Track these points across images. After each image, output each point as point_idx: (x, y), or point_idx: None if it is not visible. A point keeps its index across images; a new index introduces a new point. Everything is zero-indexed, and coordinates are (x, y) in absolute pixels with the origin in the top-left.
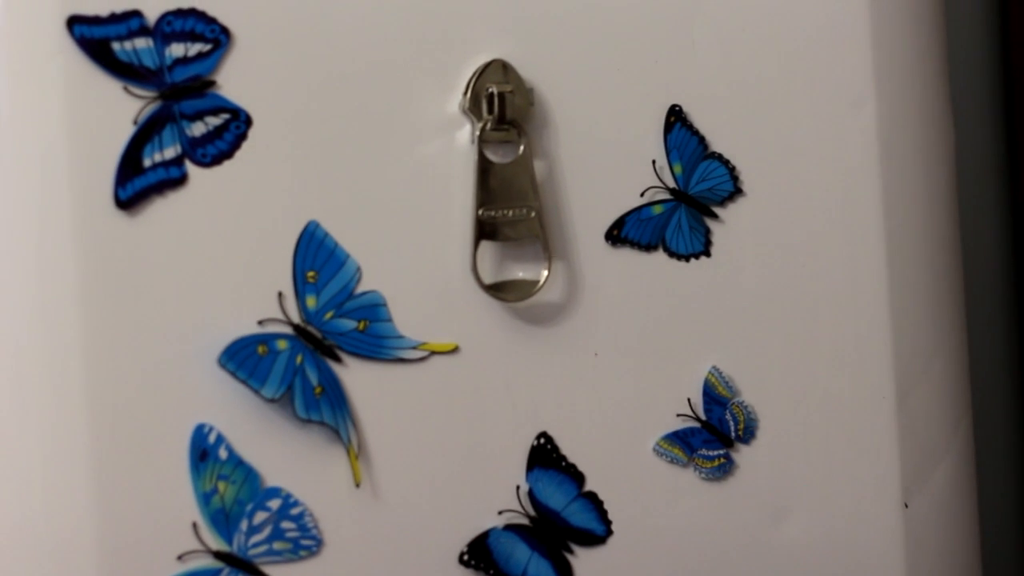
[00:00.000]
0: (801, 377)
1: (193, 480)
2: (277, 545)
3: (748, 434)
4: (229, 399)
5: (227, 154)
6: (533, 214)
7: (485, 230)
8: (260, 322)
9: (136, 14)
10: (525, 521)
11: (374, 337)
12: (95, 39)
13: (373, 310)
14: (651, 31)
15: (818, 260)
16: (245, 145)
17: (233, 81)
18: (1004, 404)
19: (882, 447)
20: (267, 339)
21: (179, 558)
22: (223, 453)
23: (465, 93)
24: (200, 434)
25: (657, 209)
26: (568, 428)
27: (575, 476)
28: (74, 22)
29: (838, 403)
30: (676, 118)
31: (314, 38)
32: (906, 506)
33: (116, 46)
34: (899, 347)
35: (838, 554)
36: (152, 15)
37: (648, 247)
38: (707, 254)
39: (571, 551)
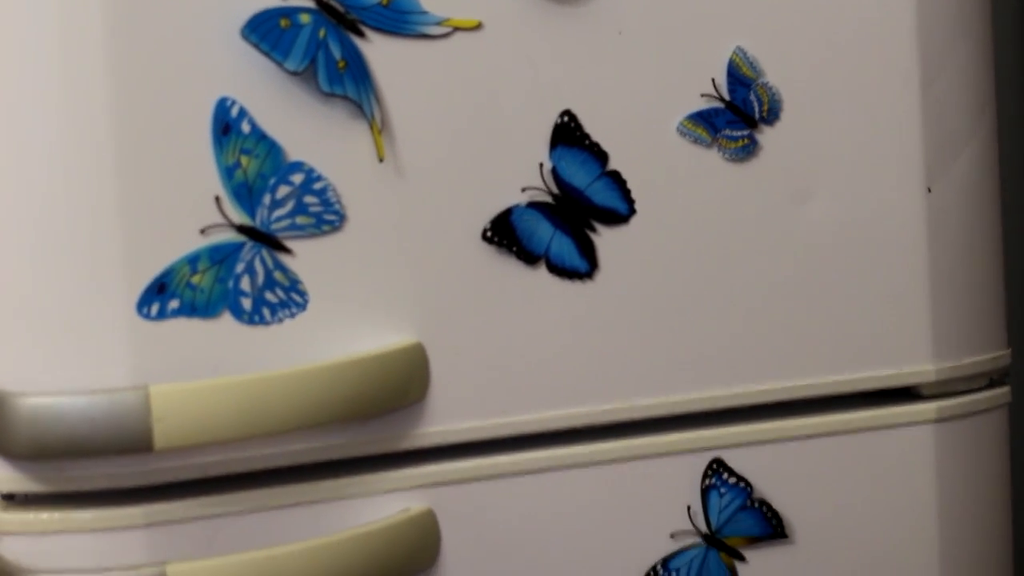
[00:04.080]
0: (827, 60)
1: (216, 154)
2: (300, 220)
3: (772, 115)
4: (252, 73)
5: None
6: None
7: None
8: None
9: None
10: (548, 199)
11: (397, 12)
12: None
13: None
14: None
15: None
16: None
17: None
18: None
19: (906, 131)
20: (289, 12)
21: (202, 232)
22: (246, 127)
23: None
24: (223, 108)
25: None
26: (592, 107)
27: (598, 155)
28: None
29: (863, 86)
30: None
31: None
32: (929, 190)
33: None
34: (924, 31)
35: (860, 237)
36: None
37: None
38: None
39: (594, 229)
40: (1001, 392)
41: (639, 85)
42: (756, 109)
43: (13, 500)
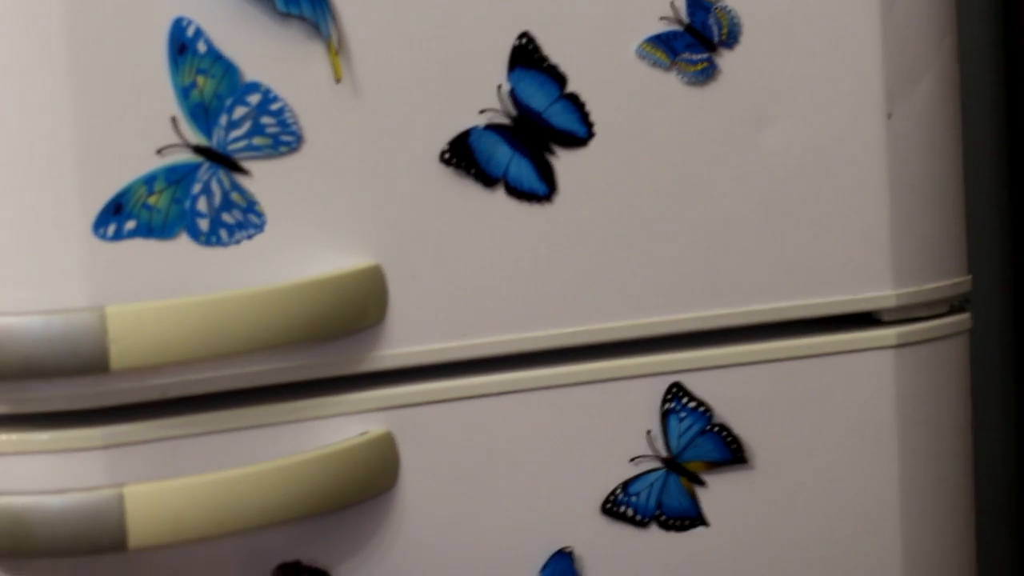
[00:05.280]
0: None
1: (171, 74)
2: (257, 140)
3: (731, 39)
4: None
5: None
6: None
7: None
8: None
9: None
10: (506, 121)
11: None
12: None
13: None
14: None
15: None
16: None
17: None
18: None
19: (866, 56)
20: None
21: (158, 152)
22: (202, 47)
23: None
24: (179, 27)
25: None
26: (551, 28)
27: (557, 77)
28: None
29: (823, 11)
30: None
31: None
32: (889, 116)
33: None
34: None
35: (820, 162)
36: None
37: None
38: None
39: (553, 152)
40: (961, 319)
41: (598, 7)
42: (715, 32)
43: None
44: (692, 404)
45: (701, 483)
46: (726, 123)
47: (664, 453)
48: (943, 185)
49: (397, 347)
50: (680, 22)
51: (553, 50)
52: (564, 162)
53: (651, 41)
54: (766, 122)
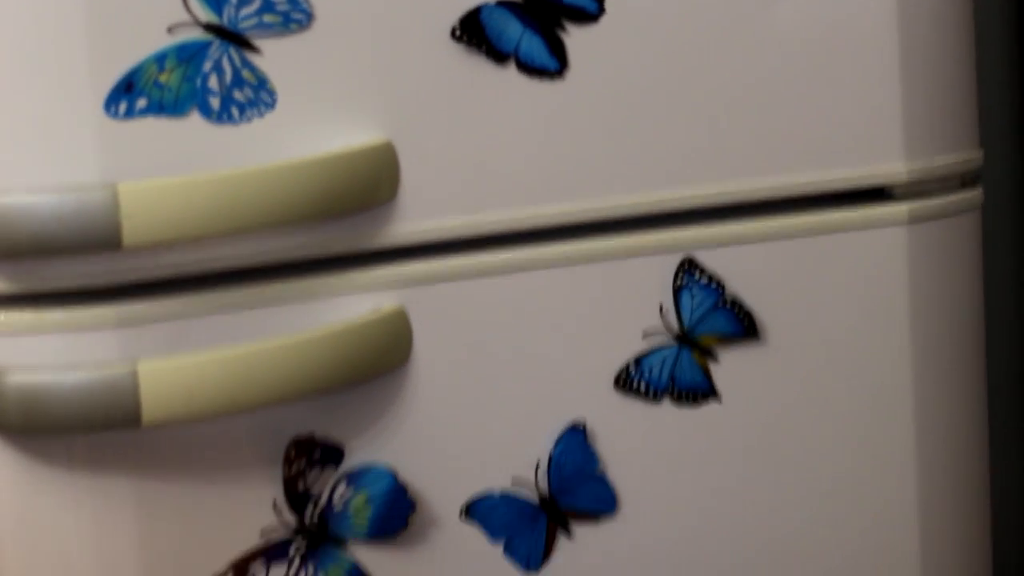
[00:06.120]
0: None
1: None
2: (267, 18)
3: None
4: None
5: None
6: None
7: None
8: None
9: None
10: None
11: None
12: None
13: None
14: None
15: None
16: None
17: None
18: None
19: None
20: None
21: (169, 30)
22: None
23: None
24: None
25: None
26: None
27: None
28: None
29: None
30: None
31: None
32: None
33: None
34: None
35: (832, 34)
36: None
37: None
38: None
39: (564, 28)
40: (973, 194)
41: None
42: None
43: None
44: (704, 279)
45: (714, 358)
46: None
47: (676, 328)
48: (955, 58)
49: (409, 223)
50: None
51: None
52: (575, 37)
53: None
54: None
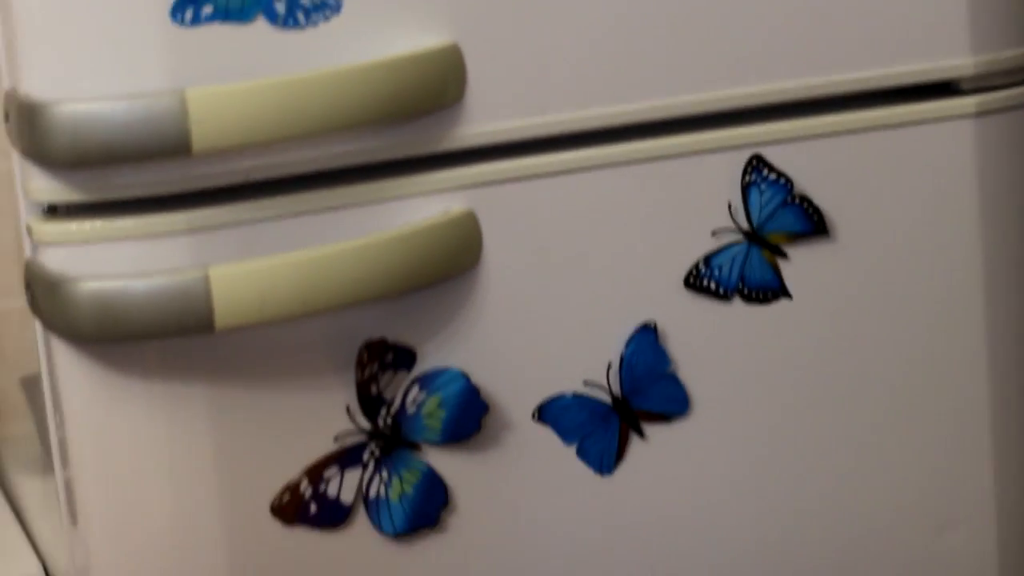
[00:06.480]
0: None
1: None
2: None
3: None
4: None
5: None
6: None
7: None
8: None
9: None
10: None
11: None
12: None
13: None
14: None
15: None
16: None
17: None
18: None
19: None
20: None
21: None
22: None
23: None
24: None
25: None
26: None
27: None
28: None
29: None
30: None
31: None
32: None
33: None
34: None
35: None
36: None
37: None
38: None
39: None
40: None
41: None
42: None
43: (55, 212)
44: (773, 176)
45: (783, 255)
46: None
47: (746, 226)
48: None
49: (477, 125)
50: None
51: None
52: None
53: None
54: None
